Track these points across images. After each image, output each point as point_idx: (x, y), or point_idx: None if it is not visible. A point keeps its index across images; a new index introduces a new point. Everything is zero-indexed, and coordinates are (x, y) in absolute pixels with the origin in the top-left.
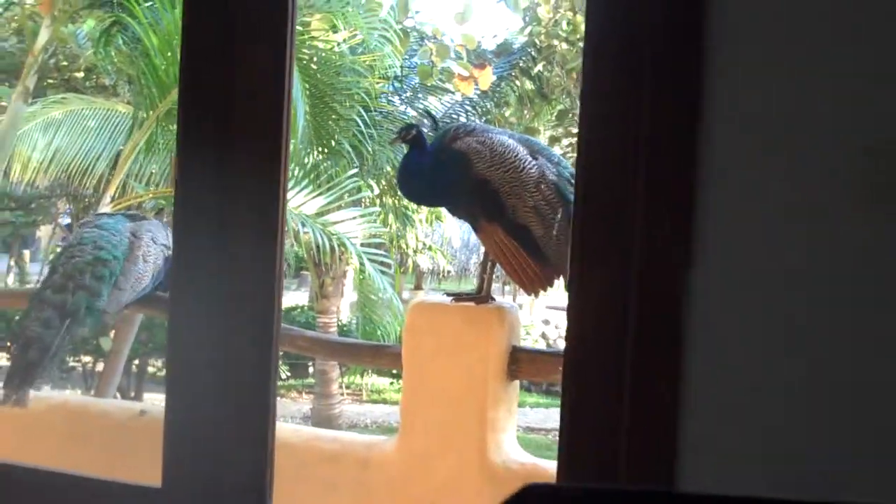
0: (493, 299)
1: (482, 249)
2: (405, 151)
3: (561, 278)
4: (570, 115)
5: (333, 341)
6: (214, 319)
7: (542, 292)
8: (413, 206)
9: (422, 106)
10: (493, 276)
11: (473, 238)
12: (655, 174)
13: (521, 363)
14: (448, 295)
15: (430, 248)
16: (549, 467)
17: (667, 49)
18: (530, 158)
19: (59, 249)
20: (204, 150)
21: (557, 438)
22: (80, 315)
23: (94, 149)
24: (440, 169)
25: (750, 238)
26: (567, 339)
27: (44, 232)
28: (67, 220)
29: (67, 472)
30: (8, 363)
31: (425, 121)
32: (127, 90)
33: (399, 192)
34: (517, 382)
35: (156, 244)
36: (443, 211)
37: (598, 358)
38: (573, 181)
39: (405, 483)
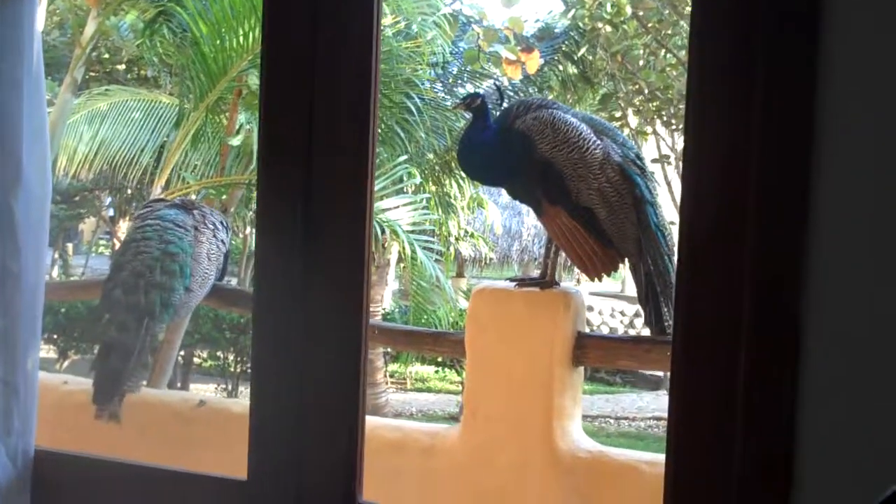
0: (557, 284)
1: (540, 234)
2: (467, 122)
3: (625, 262)
4: (614, 98)
5: (394, 329)
6: (299, 316)
7: (605, 276)
8: (456, 192)
9: (463, 91)
10: (557, 261)
11: (516, 224)
12: (767, 177)
13: (587, 349)
14: (511, 280)
15: (471, 236)
16: (616, 455)
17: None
18: (594, 138)
19: (120, 244)
20: (287, 151)
21: (633, 428)
22: (157, 313)
23: (138, 140)
24: (502, 148)
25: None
26: (676, 337)
27: (87, 225)
28: (111, 212)
29: (156, 465)
30: (91, 375)
31: (492, 95)
32: (169, 81)
33: (459, 167)
34: (582, 369)
35: (216, 238)
36: (486, 196)
37: (709, 366)
38: (639, 161)
39: (470, 471)
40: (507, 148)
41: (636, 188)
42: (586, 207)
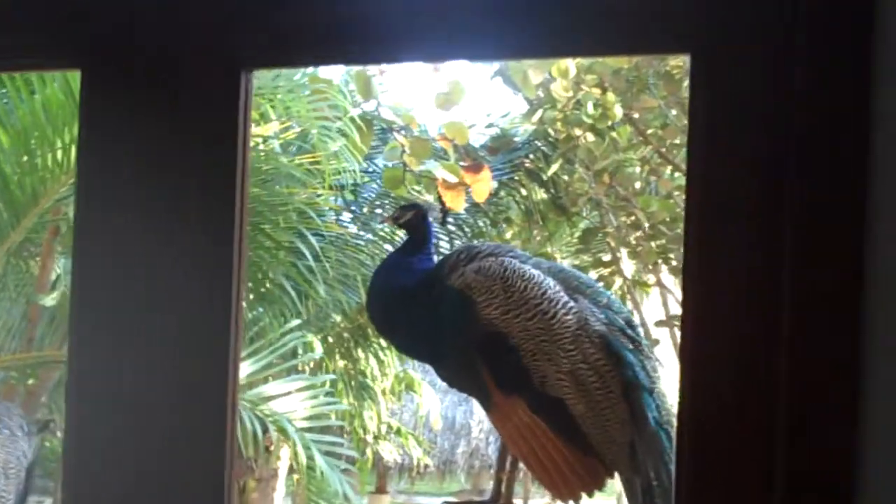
0: None
1: (496, 437)
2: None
3: (613, 475)
4: (601, 235)
5: None
6: None
7: (585, 496)
8: (374, 370)
9: (380, 228)
10: (516, 475)
11: (462, 416)
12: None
13: None
14: None
15: (398, 433)
16: None
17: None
18: (566, 299)
19: None
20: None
21: None
22: None
23: None
24: (432, 308)
25: None
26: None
27: None
28: None
29: None
30: None
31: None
32: None
33: (371, 322)
34: None
35: (14, 447)
36: (418, 376)
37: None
38: (631, 330)
39: None
40: (439, 309)
41: (626, 369)
42: (555, 398)
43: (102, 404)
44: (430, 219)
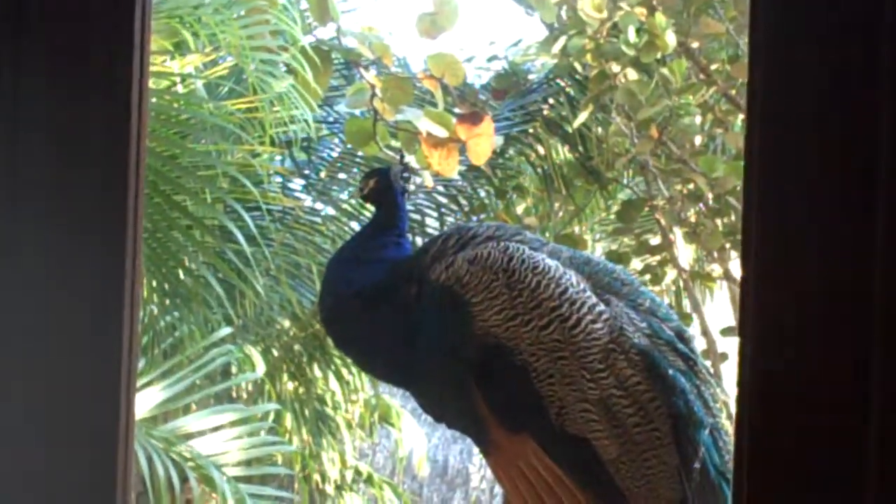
0: None
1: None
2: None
3: None
4: (646, 208)
5: None
6: None
7: None
8: (336, 394)
9: (344, 200)
10: None
11: (456, 458)
12: None
13: None
14: None
15: (368, 481)
16: None
17: None
18: (594, 301)
19: None
20: None
21: None
22: None
23: None
24: (407, 313)
25: None
26: None
27: None
28: None
29: None
30: None
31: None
32: None
33: (325, 330)
34: None
35: None
36: (395, 402)
37: None
38: (682, 344)
39: None
40: (419, 315)
41: (677, 398)
42: (577, 437)
43: None
44: (396, 185)
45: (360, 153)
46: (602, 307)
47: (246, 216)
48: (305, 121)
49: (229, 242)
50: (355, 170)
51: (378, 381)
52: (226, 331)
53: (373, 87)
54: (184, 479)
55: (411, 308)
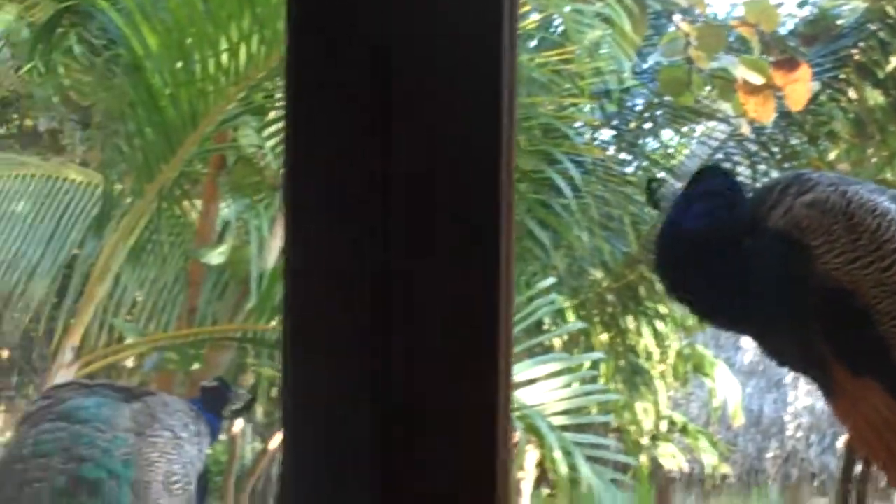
0: None
1: (823, 426)
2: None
3: None
4: None
5: None
6: None
7: None
8: (649, 345)
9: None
10: (868, 487)
11: (771, 407)
12: None
13: None
14: None
15: (683, 431)
16: None
17: None
18: None
19: None
20: (337, 279)
21: None
22: None
23: (26, 252)
24: (748, 260)
25: None
26: None
27: None
28: None
29: None
30: None
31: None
32: (82, 142)
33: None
34: None
35: (181, 451)
36: (712, 352)
37: None
38: None
39: None
40: (759, 261)
41: None
42: None
43: None
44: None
45: (672, 102)
46: None
47: (571, 167)
48: (615, 71)
49: (548, 193)
50: (663, 118)
51: (694, 330)
52: (549, 281)
53: (687, 35)
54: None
55: (750, 257)
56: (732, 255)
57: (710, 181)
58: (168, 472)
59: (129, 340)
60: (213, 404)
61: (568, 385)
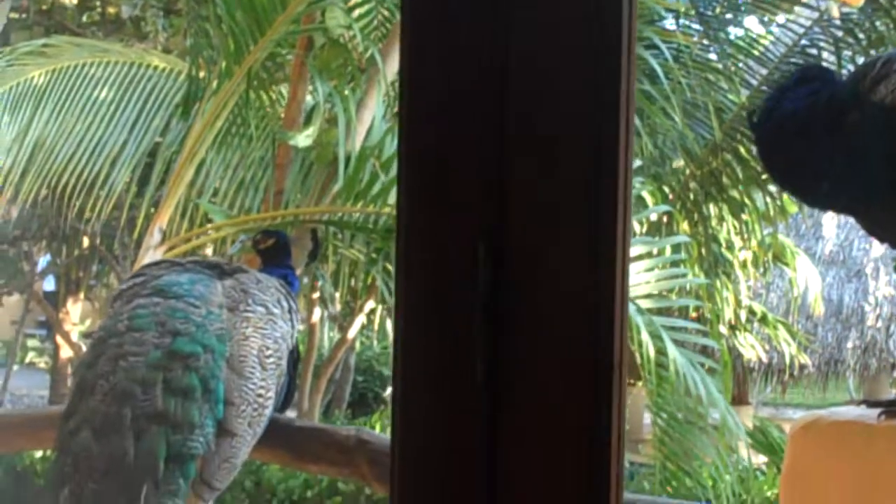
0: None
1: None
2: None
3: None
4: None
5: None
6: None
7: None
8: (730, 232)
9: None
10: None
11: (850, 296)
12: None
13: None
14: (869, 405)
15: (762, 320)
16: None
17: None
18: None
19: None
20: (453, 163)
21: None
22: (161, 475)
23: (109, 140)
24: (850, 137)
25: None
26: None
27: (5, 308)
28: (51, 284)
29: None
30: None
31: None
32: (167, 28)
33: (765, 168)
34: None
35: (275, 326)
36: (791, 241)
37: None
38: None
39: None
40: (861, 138)
41: None
42: None
43: None
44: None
45: None
46: None
47: (663, 46)
48: None
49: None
50: (743, 8)
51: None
52: (635, 163)
53: None
54: None
55: (854, 133)
56: (836, 130)
57: (805, 71)
58: (262, 347)
59: (215, 221)
60: (280, 259)
61: (651, 269)
